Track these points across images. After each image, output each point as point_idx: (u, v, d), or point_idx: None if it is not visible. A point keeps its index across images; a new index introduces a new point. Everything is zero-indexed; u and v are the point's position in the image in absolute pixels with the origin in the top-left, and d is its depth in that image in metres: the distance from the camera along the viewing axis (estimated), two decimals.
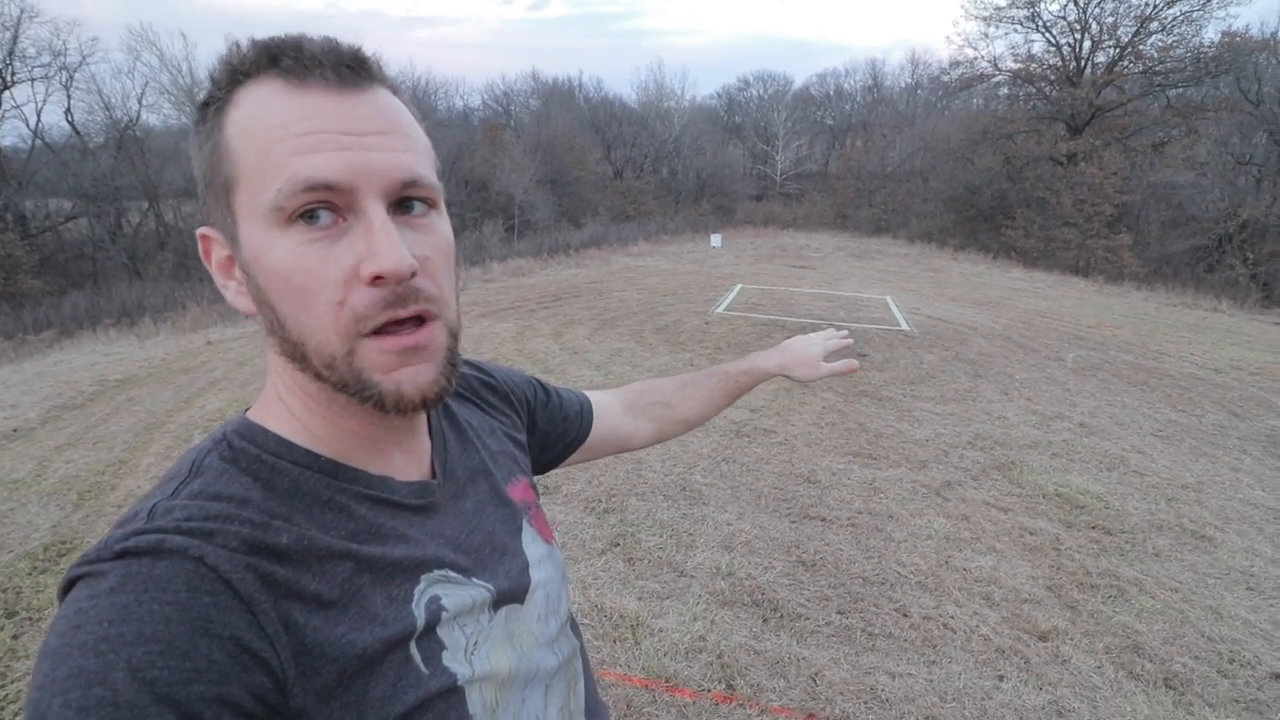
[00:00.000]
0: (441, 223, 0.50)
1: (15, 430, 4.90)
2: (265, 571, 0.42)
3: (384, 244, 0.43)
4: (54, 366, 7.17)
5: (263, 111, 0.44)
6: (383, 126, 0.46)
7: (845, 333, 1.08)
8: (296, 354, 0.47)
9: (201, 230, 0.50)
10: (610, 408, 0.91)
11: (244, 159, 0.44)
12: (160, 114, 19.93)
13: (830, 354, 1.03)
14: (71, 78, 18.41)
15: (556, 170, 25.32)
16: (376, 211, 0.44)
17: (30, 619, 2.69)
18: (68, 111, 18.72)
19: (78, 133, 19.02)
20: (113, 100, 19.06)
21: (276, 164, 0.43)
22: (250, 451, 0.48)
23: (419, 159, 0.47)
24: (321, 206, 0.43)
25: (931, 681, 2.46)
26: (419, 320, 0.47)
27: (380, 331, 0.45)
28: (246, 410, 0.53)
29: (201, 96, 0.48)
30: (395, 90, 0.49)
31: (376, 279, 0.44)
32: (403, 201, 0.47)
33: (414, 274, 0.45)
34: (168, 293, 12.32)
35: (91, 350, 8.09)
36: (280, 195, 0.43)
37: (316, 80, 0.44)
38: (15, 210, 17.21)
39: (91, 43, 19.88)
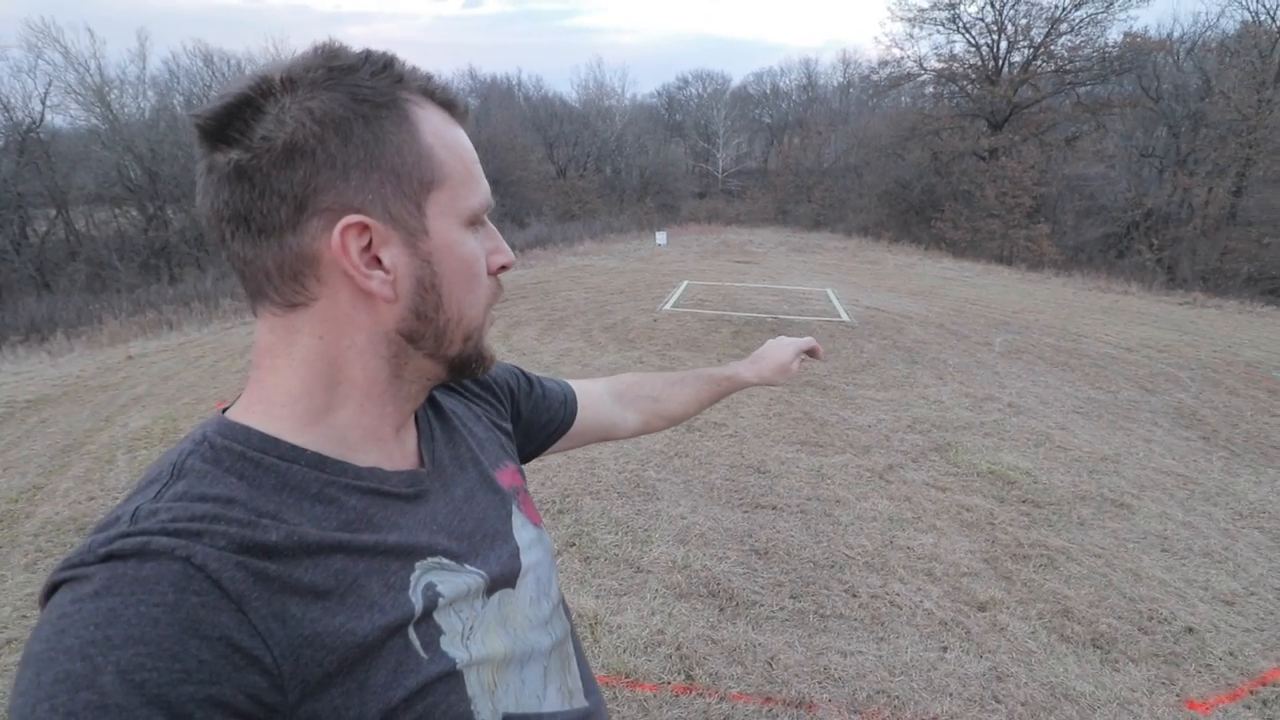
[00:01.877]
0: None
1: None
2: (256, 569, 0.42)
3: (506, 245, 0.59)
4: None
5: (453, 133, 0.54)
6: None
7: (817, 349, 1.16)
8: (431, 333, 0.53)
9: (354, 219, 0.48)
10: (599, 397, 0.93)
11: (452, 169, 0.52)
12: (67, 115, 18.54)
13: (802, 351, 1.12)
14: None
15: (498, 170, 24.90)
16: (490, 223, 0.58)
17: None
18: None
19: None
20: (12, 100, 17.60)
21: (477, 181, 0.55)
22: (234, 449, 0.48)
23: None
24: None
25: (881, 657, 2.55)
26: None
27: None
28: (225, 411, 0.52)
29: (379, 94, 0.49)
30: None
31: (504, 268, 0.58)
32: None
33: None
34: (81, 305, 11.49)
35: None
36: (480, 208, 0.55)
37: (461, 120, 0.56)
38: None
39: None
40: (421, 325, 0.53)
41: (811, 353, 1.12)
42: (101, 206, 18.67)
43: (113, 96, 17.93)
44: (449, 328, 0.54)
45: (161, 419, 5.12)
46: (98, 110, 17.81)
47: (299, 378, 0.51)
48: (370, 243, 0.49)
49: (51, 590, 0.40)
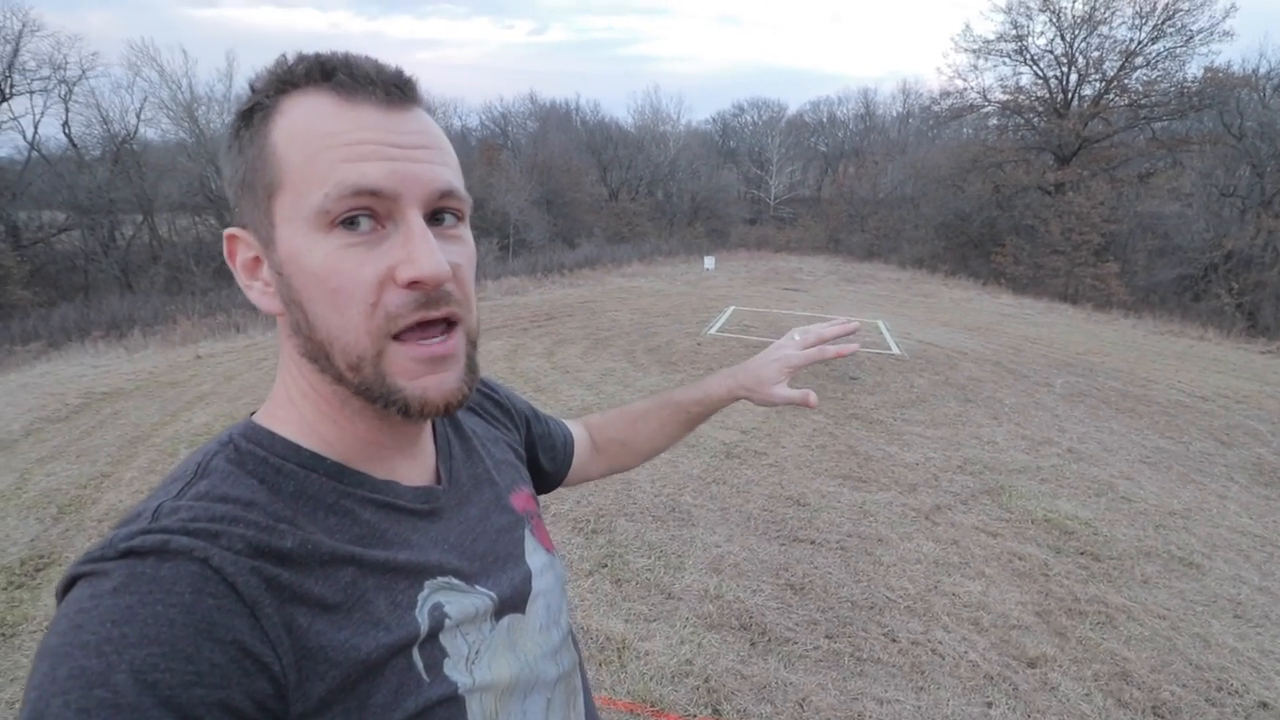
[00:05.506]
0: (467, 234, 0.53)
1: None
2: (269, 575, 0.42)
3: (423, 251, 0.45)
4: (40, 378, 7.10)
5: (312, 121, 0.46)
6: (424, 141, 0.48)
7: (844, 319, 0.89)
8: (320, 355, 0.48)
9: (230, 231, 0.51)
10: (583, 443, 0.92)
11: (290, 164, 0.46)
12: (158, 128, 19.96)
13: (796, 369, 0.86)
14: (71, 91, 18.44)
15: (552, 191, 25.50)
16: (416, 220, 0.46)
17: (4, 635, 2.63)
18: (65, 124, 18.73)
19: (74, 145, 19.01)
20: (111, 114, 19.06)
21: (325, 170, 0.45)
22: (257, 454, 0.49)
23: (454, 173, 0.50)
24: (363, 213, 0.45)
25: (919, 708, 2.43)
26: (448, 324, 0.49)
27: (406, 336, 0.47)
28: (252, 414, 0.54)
29: (245, 103, 0.49)
30: (430, 111, 0.52)
31: (414, 283, 0.46)
32: (436, 213, 0.49)
33: (447, 280, 0.47)
34: (159, 306, 12.26)
35: (79, 362, 8.01)
36: (327, 200, 0.44)
37: (366, 96, 0.47)
38: (8, 221, 17.12)
39: (92, 57, 19.74)
40: (305, 344, 0.48)
41: (799, 395, 0.84)
42: (184, 214, 19.91)
43: (200, 112, 19.19)
44: (330, 351, 0.47)
45: (222, 417, 5.36)
46: (186, 125, 19.08)
47: (285, 386, 0.52)
48: (257, 255, 0.50)
49: (70, 583, 0.40)
